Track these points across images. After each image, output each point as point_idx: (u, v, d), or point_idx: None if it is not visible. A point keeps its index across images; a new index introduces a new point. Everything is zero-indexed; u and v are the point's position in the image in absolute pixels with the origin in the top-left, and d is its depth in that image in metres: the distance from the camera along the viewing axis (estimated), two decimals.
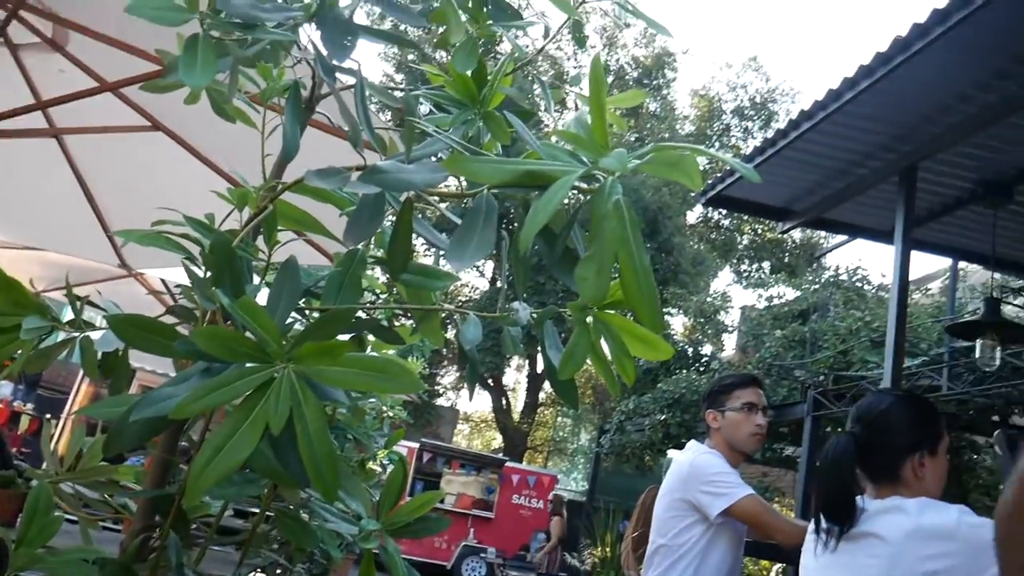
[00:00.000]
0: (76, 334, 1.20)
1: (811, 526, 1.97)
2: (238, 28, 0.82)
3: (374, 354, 1.53)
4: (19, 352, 1.14)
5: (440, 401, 23.76)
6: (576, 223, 0.92)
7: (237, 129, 1.37)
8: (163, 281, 4.79)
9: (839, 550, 1.83)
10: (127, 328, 0.98)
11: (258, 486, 1.15)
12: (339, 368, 0.89)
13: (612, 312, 1.08)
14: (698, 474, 2.50)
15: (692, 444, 2.71)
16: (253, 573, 1.52)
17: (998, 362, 5.01)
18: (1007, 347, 5.14)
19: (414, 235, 1.08)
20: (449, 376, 24.67)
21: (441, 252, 1.05)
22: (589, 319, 1.06)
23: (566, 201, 0.94)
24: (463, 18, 1.18)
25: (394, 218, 1.00)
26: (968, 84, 4.10)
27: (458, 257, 0.81)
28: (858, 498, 1.87)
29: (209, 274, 1.02)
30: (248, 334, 0.90)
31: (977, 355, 5.06)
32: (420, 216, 1.13)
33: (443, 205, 1.15)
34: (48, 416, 7.75)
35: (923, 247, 6.00)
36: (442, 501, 14.86)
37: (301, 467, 0.91)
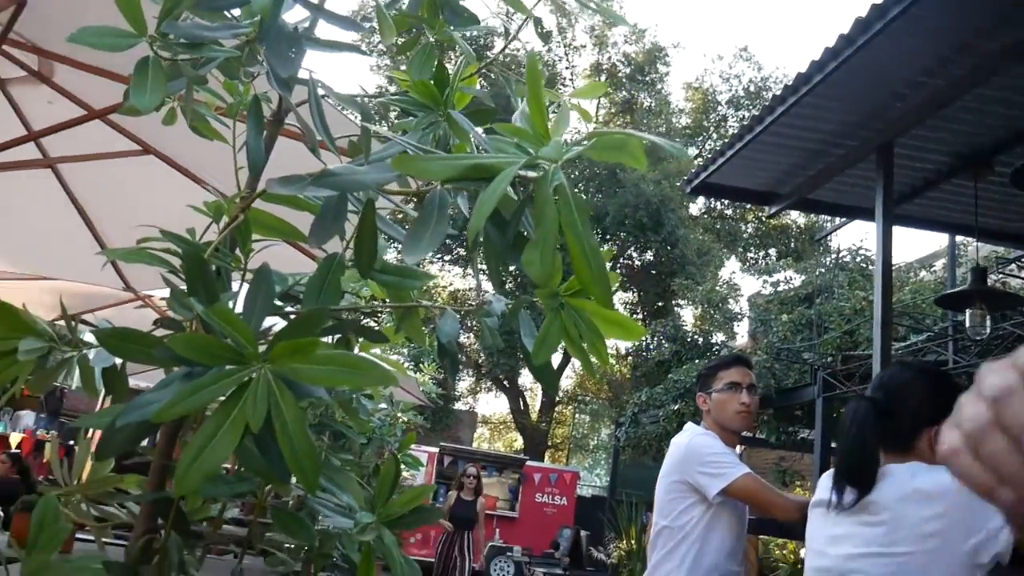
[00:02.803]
0: (73, 353, 1.24)
1: (819, 494, 1.99)
2: (185, 49, 0.87)
3: (360, 353, 1.57)
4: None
5: (458, 405, 23.82)
6: (527, 210, 0.96)
7: (221, 146, 1.41)
8: (166, 300, 4.83)
9: (845, 518, 1.85)
10: (114, 341, 1.03)
11: (251, 483, 1.20)
12: (311, 366, 0.93)
13: (583, 298, 1.12)
14: (694, 455, 2.54)
15: (689, 426, 2.75)
16: None
17: (988, 331, 5.01)
18: (996, 315, 5.14)
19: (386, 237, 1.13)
20: (466, 380, 24.73)
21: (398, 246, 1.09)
22: (560, 305, 1.10)
23: (522, 189, 0.99)
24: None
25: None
26: (931, 60, 4.14)
27: (412, 250, 0.86)
28: None
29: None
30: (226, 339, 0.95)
31: (967, 325, 5.08)
32: (389, 219, 1.18)
33: (410, 207, 1.19)
34: (72, 442, 7.84)
35: (909, 222, 6.02)
36: None
37: (283, 463, 0.95)
